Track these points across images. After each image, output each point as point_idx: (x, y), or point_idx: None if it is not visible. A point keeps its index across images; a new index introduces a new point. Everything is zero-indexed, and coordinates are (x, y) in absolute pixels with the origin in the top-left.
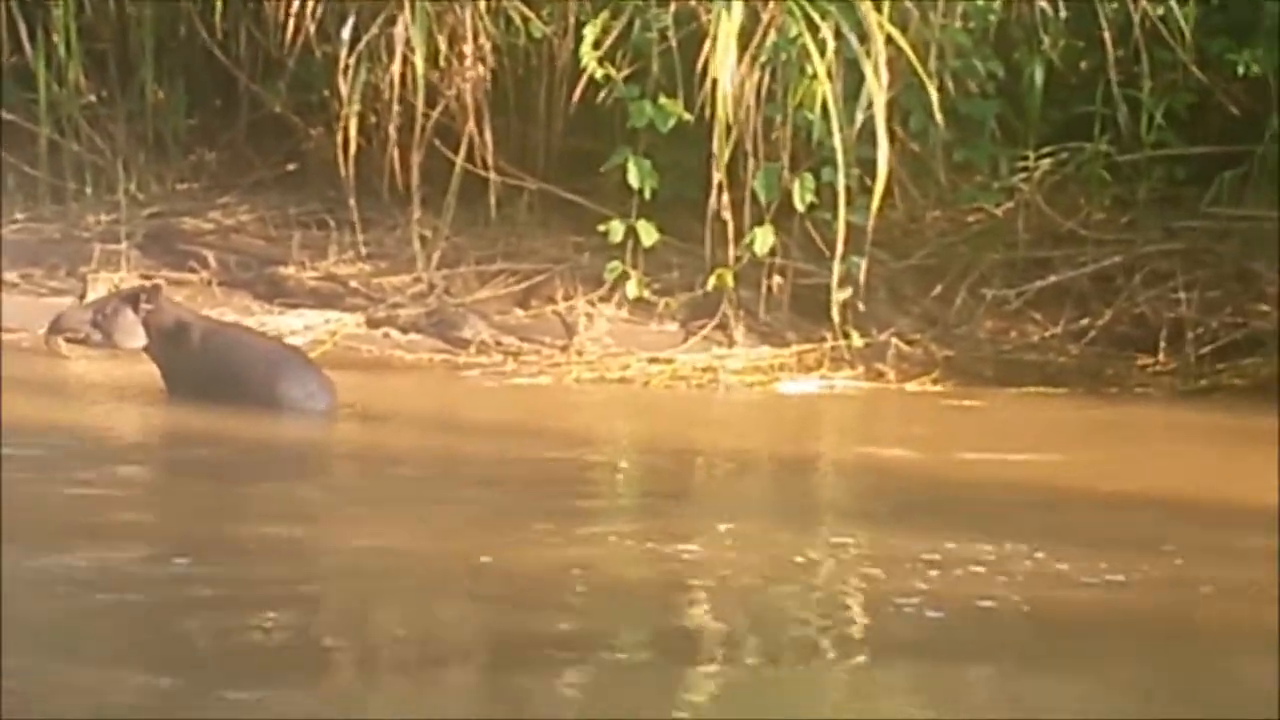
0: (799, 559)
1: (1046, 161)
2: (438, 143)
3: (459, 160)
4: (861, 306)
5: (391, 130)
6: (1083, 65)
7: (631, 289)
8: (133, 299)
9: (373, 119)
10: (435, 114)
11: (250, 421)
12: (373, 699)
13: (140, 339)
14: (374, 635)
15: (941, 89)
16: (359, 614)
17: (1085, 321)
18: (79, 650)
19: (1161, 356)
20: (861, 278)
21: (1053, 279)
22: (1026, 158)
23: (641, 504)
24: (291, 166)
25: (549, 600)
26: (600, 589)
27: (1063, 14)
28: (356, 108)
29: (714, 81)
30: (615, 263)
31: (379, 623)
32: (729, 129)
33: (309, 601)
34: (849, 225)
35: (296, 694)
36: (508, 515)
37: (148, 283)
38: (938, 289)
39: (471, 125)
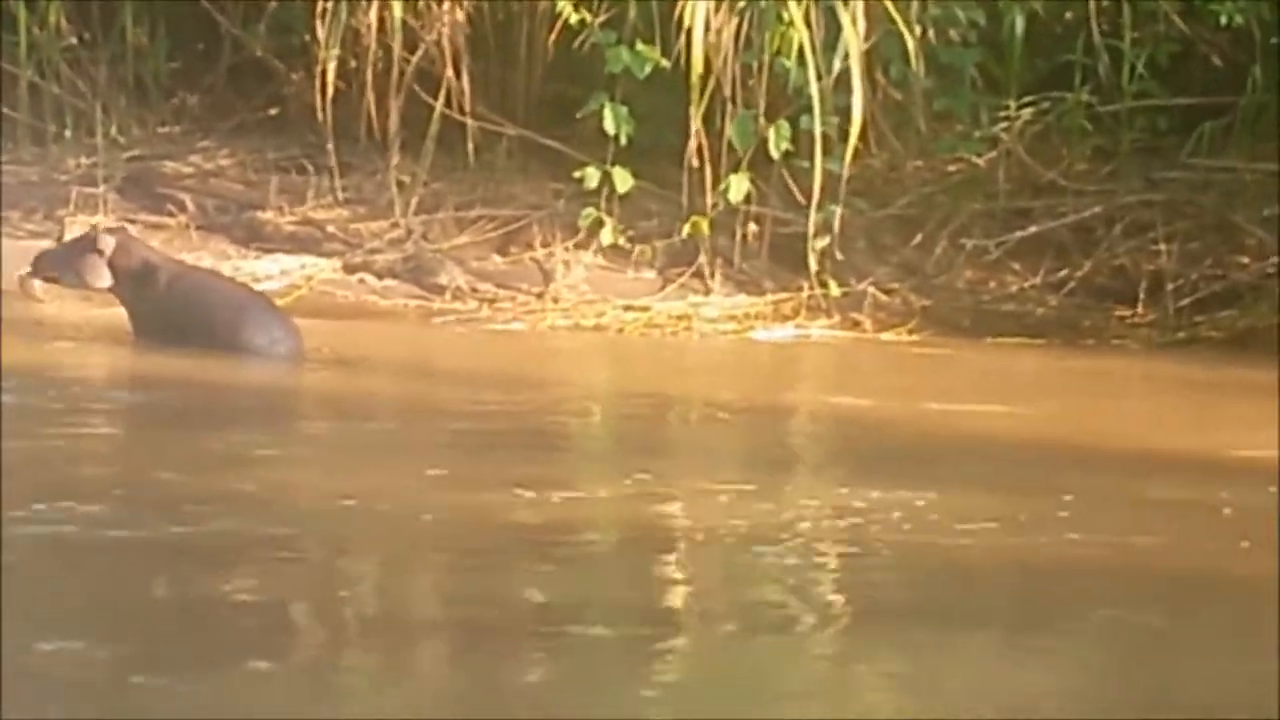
0: (740, 506)
1: (1027, 111)
2: (417, 88)
3: (438, 105)
4: (840, 255)
5: (370, 75)
6: (1065, 14)
7: (606, 236)
8: (98, 240)
9: (352, 64)
10: (414, 59)
11: (213, 366)
12: (336, 659)
13: (107, 279)
14: (336, 591)
15: (922, 36)
16: (318, 566)
17: (1064, 272)
18: (28, 611)
19: (1140, 308)
20: (838, 226)
21: (1033, 229)
22: (1007, 107)
23: (613, 452)
24: (272, 111)
25: (521, 552)
26: (572, 538)
27: None
28: (335, 52)
29: (690, 28)
30: (590, 209)
31: (340, 577)
32: (705, 76)
33: (267, 554)
34: (826, 173)
35: (257, 658)
36: (479, 463)
37: (112, 224)
38: (917, 239)
39: (450, 70)
